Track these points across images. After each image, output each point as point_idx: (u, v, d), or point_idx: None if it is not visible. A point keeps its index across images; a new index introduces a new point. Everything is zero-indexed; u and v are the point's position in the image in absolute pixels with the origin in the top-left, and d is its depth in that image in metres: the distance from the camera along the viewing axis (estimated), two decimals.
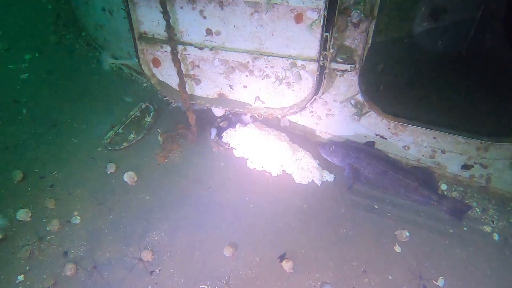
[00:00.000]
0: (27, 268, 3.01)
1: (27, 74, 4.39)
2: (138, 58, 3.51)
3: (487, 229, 3.46)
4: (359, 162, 3.59)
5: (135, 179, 3.53)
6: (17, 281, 2.94)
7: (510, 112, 3.69)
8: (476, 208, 3.59)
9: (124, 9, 3.28)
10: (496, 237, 3.41)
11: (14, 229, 3.20)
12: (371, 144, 3.76)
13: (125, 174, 3.53)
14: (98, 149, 3.76)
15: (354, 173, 3.58)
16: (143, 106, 4.07)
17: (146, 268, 3.07)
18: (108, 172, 3.58)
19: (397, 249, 3.26)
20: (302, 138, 3.96)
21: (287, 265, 3.07)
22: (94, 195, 3.44)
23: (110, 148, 3.73)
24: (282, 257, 3.13)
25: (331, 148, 3.71)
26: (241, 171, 3.67)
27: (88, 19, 4.50)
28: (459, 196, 3.65)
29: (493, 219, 3.53)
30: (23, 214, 3.24)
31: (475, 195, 3.67)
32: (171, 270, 3.06)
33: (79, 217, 3.30)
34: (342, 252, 3.21)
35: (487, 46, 4.83)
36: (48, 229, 3.21)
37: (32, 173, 3.55)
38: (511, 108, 3.75)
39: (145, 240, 3.20)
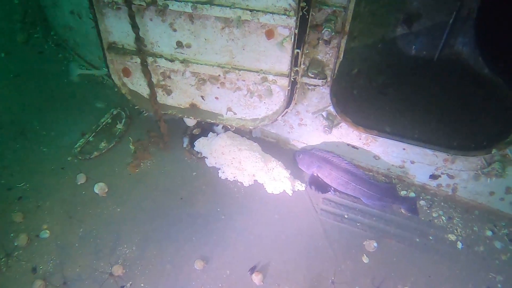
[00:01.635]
0: None
1: None
2: (107, 68, 3.43)
3: (452, 237, 3.57)
4: (321, 172, 3.64)
5: (106, 190, 3.50)
6: None
7: (475, 126, 3.79)
8: (442, 217, 3.70)
9: (91, 19, 3.19)
10: (459, 245, 3.53)
11: None
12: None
13: (96, 185, 3.49)
14: (68, 159, 3.69)
15: (316, 183, 3.63)
16: (115, 112, 4.01)
17: (117, 282, 3.07)
18: (78, 183, 3.54)
19: (365, 259, 3.35)
20: (274, 146, 3.98)
21: (257, 278, 3.12)
22: (64, 208, 3.39)
23: (80, 158, 3.67)
24: (252, 270, 3.17)
25: (300, 156, 3.77)
26: (213, 181, 3.68)
27: (56, 20, 4.35)
28: (427, 204, 3.76)
29: (457, 227, 3.65)
30: None
31: (442, 203, 3.78)
32: (142, 285, 3.07)
33: (48, 231, 3.25)
34: (312, 263, 3.27)
35: (458, 52, 4.91)
36: (16, 244, 3.15)
37: None
38: (476, 122, 3.84)
39: (116, 254, 3.20)
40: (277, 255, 3.29)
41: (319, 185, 3.64)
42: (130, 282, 3.08)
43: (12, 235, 3.21)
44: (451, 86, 4.59)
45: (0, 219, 3.27)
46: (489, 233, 3.65)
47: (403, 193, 3.80)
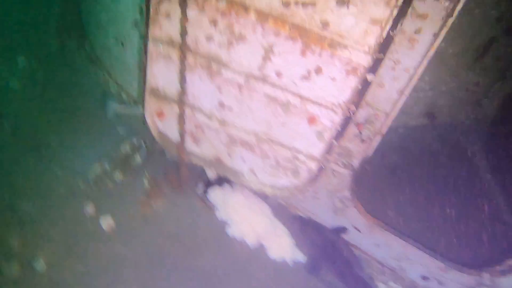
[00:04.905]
0: None
1: (17, 82, 4.14)
2: (143, 108, 3.46)
3: None
4: (323, 254, 3.75)
5: (113, 226, 3.47)
6: None
7: (475, 242, 3.96)
8: None
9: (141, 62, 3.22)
10: None
11: None
12: (342, 230, 3.91)
13: (104, 220, 3.46)
14: (80, 185, 3.63)
15: (317, 262, 3.74)
16: (135, 143, 3.98)
17: None
18: (86, 214, 3.48)
19: None
20: (283, 209, 4.04)
21: None
22: (66, 239, 3.30)
23: (93, 186, 3.63)
24: None
25: (308, 229, 3.85)
26: (219, 236, 3.70)
27: (95, 38, 4.32)
28: None
29: None
30: None
31: None
32: None
33: (44, 263, 3.14)
34: None
35: (470, 153, 5.12)
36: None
37: (1, 201, 3.36)
38: (477, 238, 4.01)
39: None
40: None
41: (317, 264, 3.73)
42: None
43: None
44: (457, 185, 4.78)
45: None
46: None
47: (391, 284, 3.92)
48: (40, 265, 3.14)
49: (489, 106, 4.78)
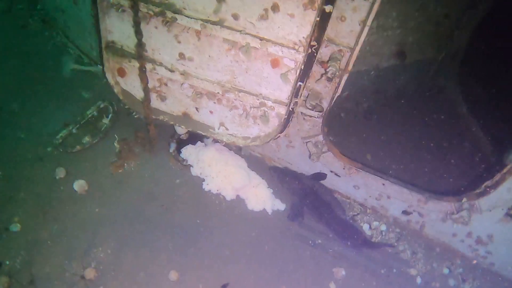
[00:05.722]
0: None
1: None
2: (102, 65, 3.33)
3: (413, 272, 3.79)
4: (303, 201, 3.75)
5: (86, 188, 3.42)
6: None
7: (450, 170, 3.99)
8: (408, 251, 3.91)
9: (92, 15, 3.07)
10: (419, 280, 3.76)
11: None
12: (321, 176, 3.89)
13: (76, 182, 3.40)
14: (48, 149, 3.55)
15: (299, 209, 3.74)
16: (102, 105, 3.87)
17: (88, 286, 3.06)
18: (57, 177, 3.42)
19: (332, 286, 3.50)
20: (259, 162, 4.02)
21: None
22: (39, 202, 3.27)
23: (61, 150, 3.55)
24: (224, 287, 3.25)
25: (286, 178, 3.83)
26: (195, 191, 3.68)
27: None
28: (395, 237, 3.95)
29: (419, 262, 3.87)
30: None
31: (409, 237, 3.98)
32: None
33: (19, 225, 3.13)
34: (282, 285, 3.37)
35: (442, 87, 5.10)
36: None
37: None
38: (452, 167, 4.04)
39: (89, 256, 3.15)
40: (250, 275, 3.36)
41: (299, 211, 3.74)
42: (101, 287, 3.07)
43: None
44: (433, 121, 4.79)
45: None
46: (446, 271, 3.89)
47: (375, 224, 3.97)
48: (15, 226, 3.12)
49: (461, 37, 4.69)
